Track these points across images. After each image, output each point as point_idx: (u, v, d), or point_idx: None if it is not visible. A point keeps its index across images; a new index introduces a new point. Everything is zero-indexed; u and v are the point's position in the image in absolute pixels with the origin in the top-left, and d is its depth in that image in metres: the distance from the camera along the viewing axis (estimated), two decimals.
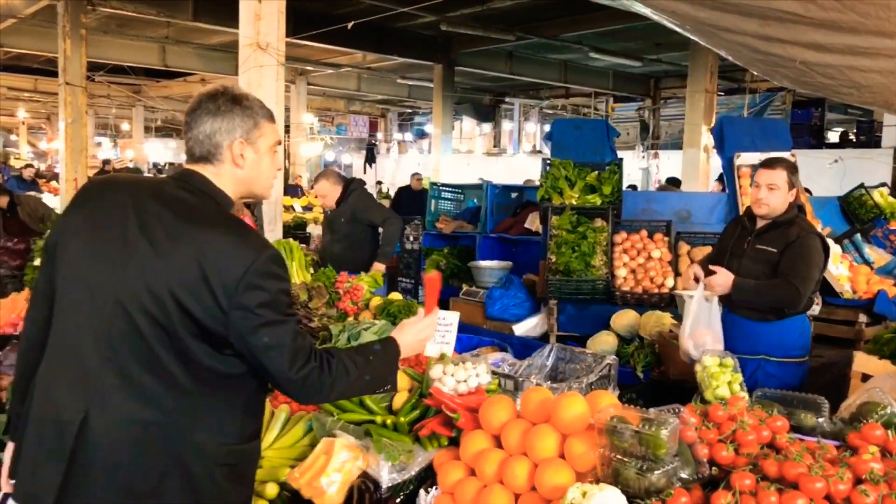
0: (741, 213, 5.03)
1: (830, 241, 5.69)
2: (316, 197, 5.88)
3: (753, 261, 3.54)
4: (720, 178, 11.68)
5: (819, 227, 5.72)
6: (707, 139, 12.62)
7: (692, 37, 4.06)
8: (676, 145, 17.29)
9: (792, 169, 3.55)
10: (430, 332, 2.19)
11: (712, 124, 12.56)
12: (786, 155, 5.23)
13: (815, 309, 4.70)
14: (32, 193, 10.30)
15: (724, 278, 3.43)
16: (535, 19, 12.77)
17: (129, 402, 1.72)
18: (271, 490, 2.30)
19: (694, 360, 3.16)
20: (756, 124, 5.91)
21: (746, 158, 5.23)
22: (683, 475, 1.89)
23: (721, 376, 2.33)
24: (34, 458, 1.78)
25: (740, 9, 3.43)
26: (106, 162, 23.69)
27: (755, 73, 4.28)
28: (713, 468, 1.96)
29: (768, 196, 3.51)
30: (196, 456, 1.77)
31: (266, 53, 5.89)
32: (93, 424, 1.71)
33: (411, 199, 12.31)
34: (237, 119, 1.88)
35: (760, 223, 3.62)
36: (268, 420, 2.58)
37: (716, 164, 12.42)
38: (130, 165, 22.88)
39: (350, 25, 10.97)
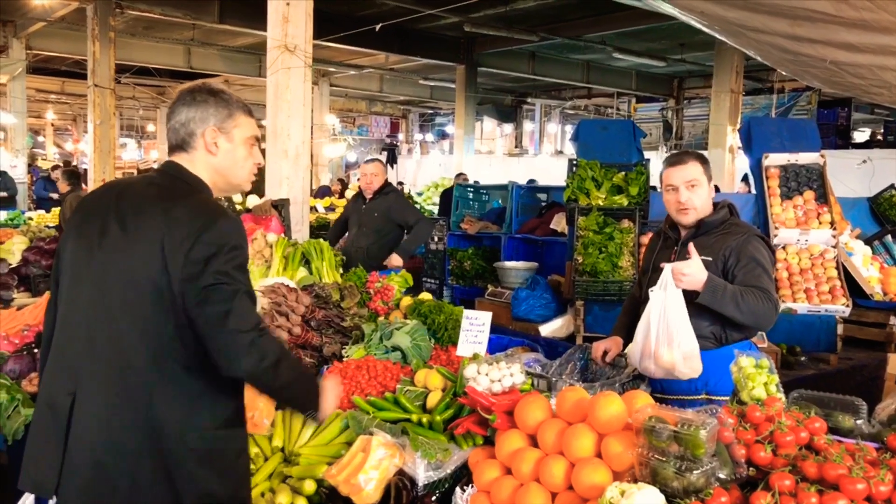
0: (770, 214, 5.01)
1: (860, 243, 5.65)
2: (362, 177, 5.96)
3: None
4: (745, 179, 11.57)
5: (848, 229, 5.66)
6: (732, 140, 12.52)
7: (720, 37, 4.05)
8: (700, 146, 17.16)
9: (703, 159, 2.98)
10: (337, 395, 2.22)
11: (738, 125, 12.47)
12: (814, 156, 5.19)
13: (846, 311, 4.67)
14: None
15: (697, 269, 2.70)
16: (559, 20, 12.77)
17: (106, 385, 1.81)
18: (309, 487, 2.34)
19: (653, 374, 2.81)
20: (784, 125, 5.86)
21: (775, 159, 5.20)
22: (721, 475, 1.89)
23: (757, 377, 2.32)
24: (38, 443, 1.89)
25: (770, 9, 3.41)
26: None
27: (783, 73, 4.25)
28: (751, 469, 1.96)
29: (691, 197, 2.89)
30: (167, 440, 1.82)
31: (294, 55, 5.95)
32: (80, 406, 1.82)
33: None
34: (211, 108, 1.95)
35: (686, 230, 3.02)
36: (304, 418, 2.62)
37: (741, 165, 12.33)
38: (155, 167, 23.16)
39: (378, 27, 11.04)
